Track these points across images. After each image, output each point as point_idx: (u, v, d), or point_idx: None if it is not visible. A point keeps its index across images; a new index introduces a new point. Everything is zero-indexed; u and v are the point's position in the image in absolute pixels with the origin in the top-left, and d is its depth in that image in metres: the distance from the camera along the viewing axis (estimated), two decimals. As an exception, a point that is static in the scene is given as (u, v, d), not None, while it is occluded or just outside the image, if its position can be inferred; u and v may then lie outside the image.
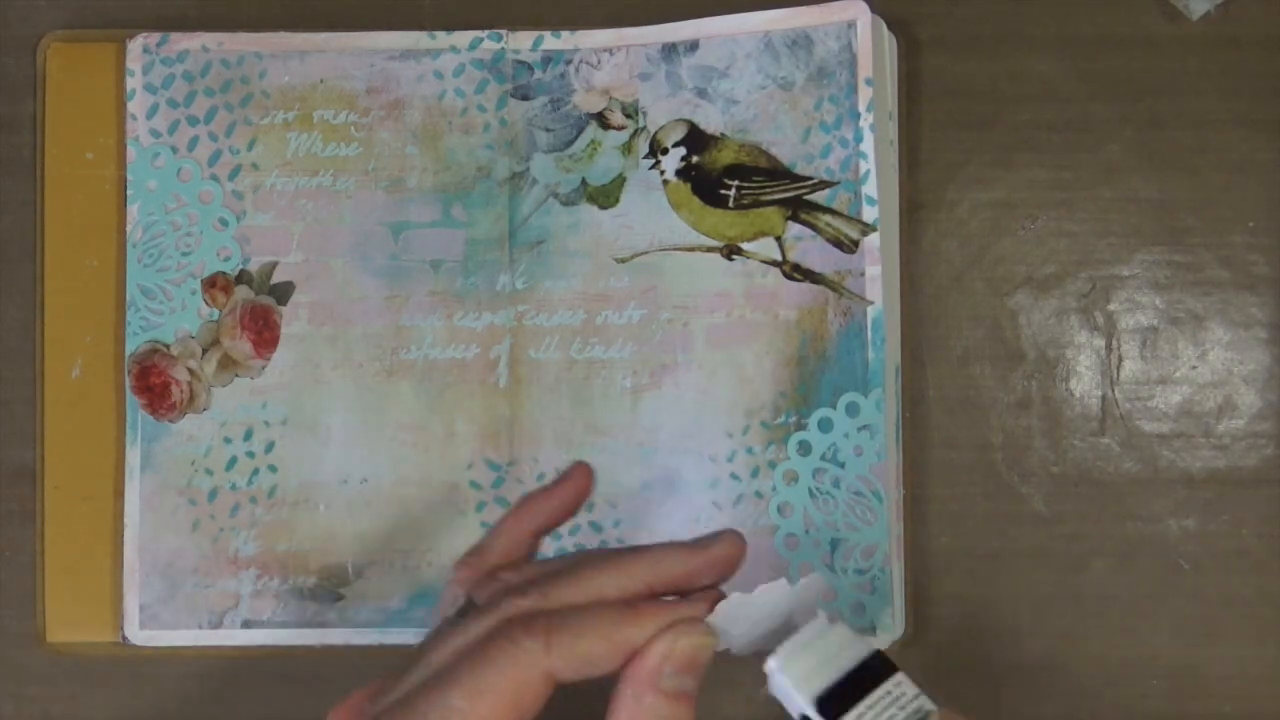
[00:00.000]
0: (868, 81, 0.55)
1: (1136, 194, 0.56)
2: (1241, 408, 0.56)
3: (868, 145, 0.55)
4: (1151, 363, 0.56)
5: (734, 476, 0.55)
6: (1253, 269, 0.56)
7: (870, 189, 0.55)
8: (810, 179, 0.56)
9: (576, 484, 0.47)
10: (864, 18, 0.55)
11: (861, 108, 0.55)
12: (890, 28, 0.56)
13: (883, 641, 0.55)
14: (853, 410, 0.55)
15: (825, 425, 0.55)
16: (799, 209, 0.56)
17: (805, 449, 0.55)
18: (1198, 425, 0.56)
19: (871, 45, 0.55)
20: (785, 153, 0.56)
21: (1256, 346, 0.56)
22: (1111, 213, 0.56)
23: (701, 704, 0.55)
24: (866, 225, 0.55)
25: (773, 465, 0.55)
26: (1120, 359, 0.56)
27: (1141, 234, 0.56)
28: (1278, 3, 0.56)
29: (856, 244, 0.55)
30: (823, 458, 0.55)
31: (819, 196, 0.56)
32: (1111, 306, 0.56)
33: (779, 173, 0.56)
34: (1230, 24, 0.56)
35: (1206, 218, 0.56)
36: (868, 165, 0.55)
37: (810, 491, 0.55)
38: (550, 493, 0.47)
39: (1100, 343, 0.56)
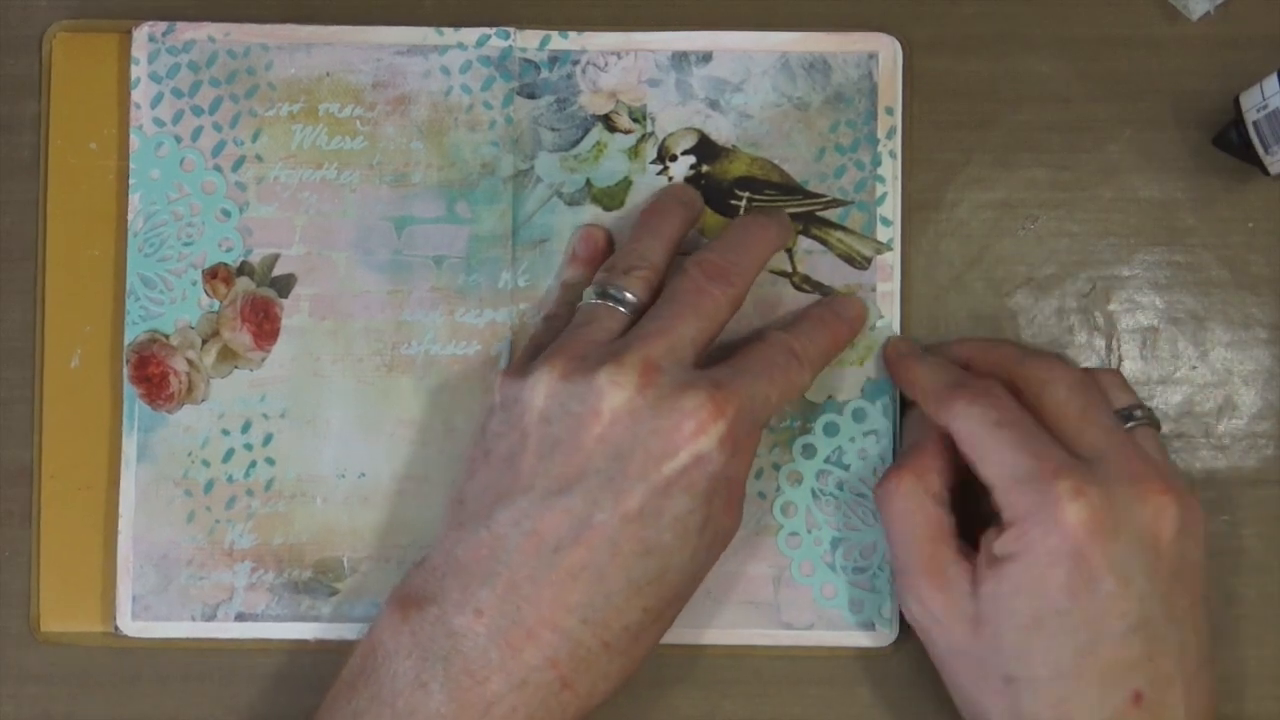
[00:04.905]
0: (888, 110, 0.56)
1: (1136, 194, 0.56)
2: (1241, 408, 0.56)
3: (886, 170, 0.56)
4: (1151, 363, 0.56)
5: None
6: (1253, 269, 0.56)
7: (887, 210, 0.56)
8: (823, 196, 0.56)
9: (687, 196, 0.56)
10: (886, 50, 0.56)
11: (881, 134, 0.56)
12: (889, 28, 0.56)
13: (879, 638, 0.55)
14: (859, 416, 0.55)
15: (830, 429, 0.55)
16: (810, 224, 0.56)
17: (810, 452, 0.55)
18: (1198, 425, 0.56)
19: (894, 75, 0.56)
20: (797, 169, 0.56)
21: (1256, 346, 0.56)
22: (1111, 213, 0.56)
23: (701, 703, 0.55)
24: (881, 244, 0.56)
25: (776, 467, 0.55)
26: (1120, 359, 0.56)
27: (1141, 234, 0.56)
28: (1278, 3, 0.56)
29: (869, 261, 0.56)
30: (827, 460, 0.55)
31: (831, 214, 0.56)
32: (1111, 306, 0.56)
33: (791, 188, 0.56)
34: (1230, 24, 0.56)
35: (1206, 218, 0.56)
36: (884, 188, 0.56)
37: (813, 492, 0.55)
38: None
39: (1100, 343, 0.56)
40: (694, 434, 0.47)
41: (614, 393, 0.48)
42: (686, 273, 0.51)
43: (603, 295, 0.51)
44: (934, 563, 0.50)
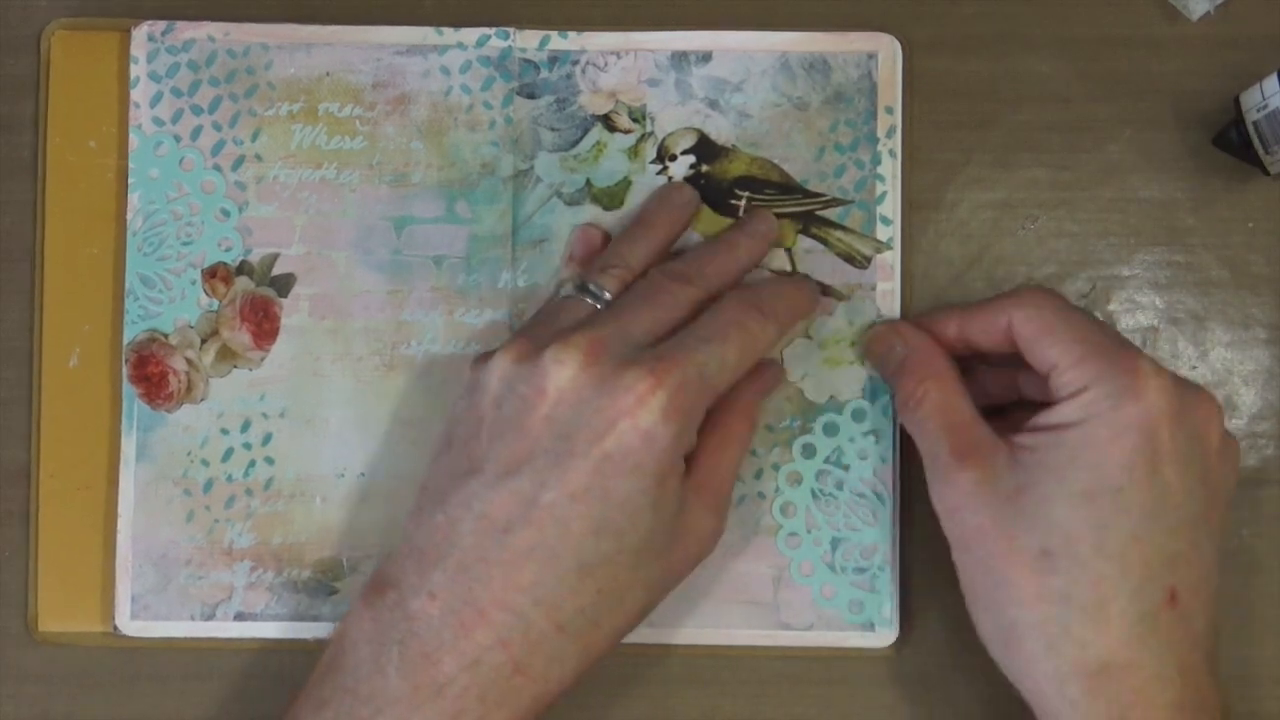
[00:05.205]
0: (888, 110, 0.56)
1: (1136, 194, 0.56)
2: (1241, 408, 0.56)
3: (886, 169, 0.56)
4: (1152, 363, 0.56)
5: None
6: (1253, 269, 0.56)
7: (886, 209, 0.56)
8: (823, 195, 0.56)
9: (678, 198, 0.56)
10: (886, 50, 0.56)
11: (881, 133, 0.56)
12: (889, 28, 0.56)
13: (879, 639, 0.55)
14: (859, 415, 0.55)
15: (830, 429, 0.55)
16: (810, 223, 0.56)
17: (809, 452, 0.55)
18: (1198, 425, 0.56)
19: (894, 75, 0.56)
20: (797, 169, 0.56)
21: (1256, 346, 0.56)
22: (1111, 213, 0.56)
23: (701, 704, 0.55)
24: (881, 243, 0.56)
25: (776, 467, 0.55)
26: (1120, 359, 0.56)
27: (1141, 234, 0.56)
28: (1278, 3, 0.56)
29: (869, 260, 0.56)
30: (827, 460, 0.55)
31: (830, 213, 0.56)
32: (1111, 306, 0.56)
33: (791, 188, 0.56)
34: (1230, 24, 0.56)
35: (1206, 218, 0.56)
36: (884, 187, 0.56)
37: (813, 493, 0.55)
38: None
39: (1100, 343, 0.56)
40: (633, 408, 0.47)
41: (558, 371, 0.48)
42: (648, 275, 0.52)
43: (580, 289, 0.52)
44: (967, 441, 0.50)
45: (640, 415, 0.47)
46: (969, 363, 0.54)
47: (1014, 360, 0.52)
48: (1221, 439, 0.49)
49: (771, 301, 0.52)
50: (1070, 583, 0.47)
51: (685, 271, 0.52)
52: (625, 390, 0.47)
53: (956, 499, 0.50)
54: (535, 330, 0.50)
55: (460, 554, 0.47)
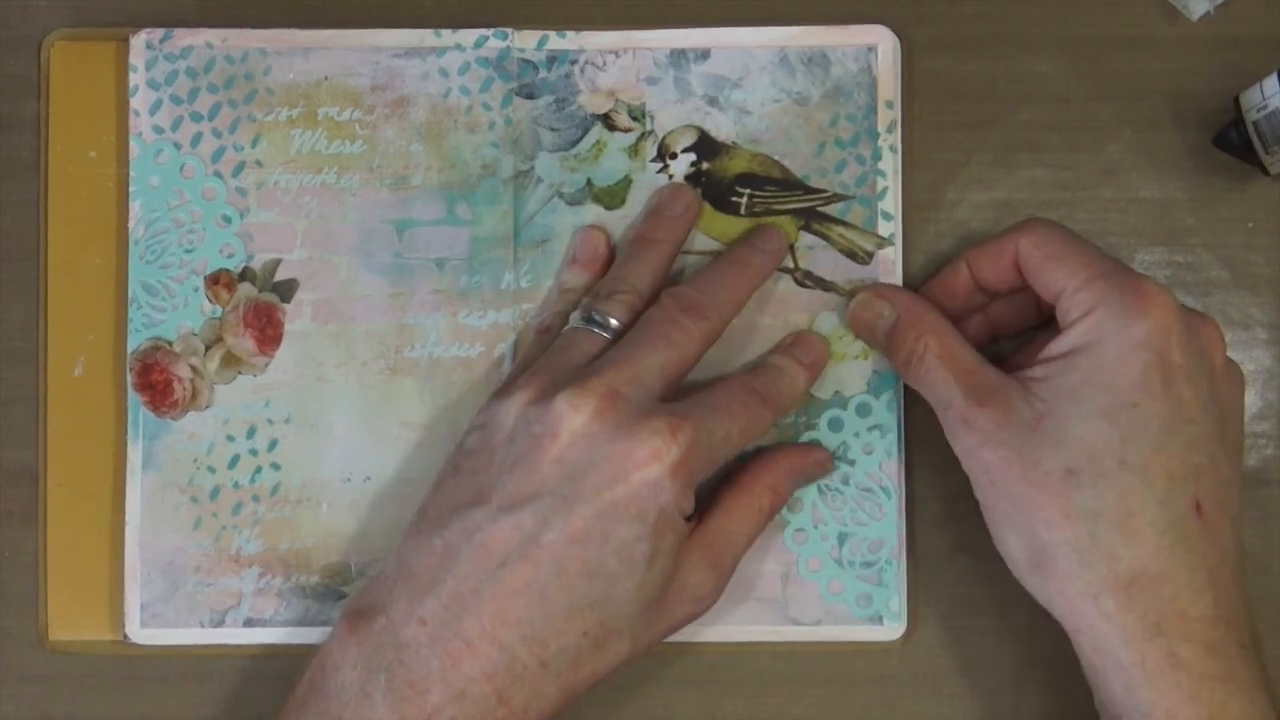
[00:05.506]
0: (888, 104, 0.56)
1: (1136, 194, 0.57)
2: (1241, 407, 0.56)
3: (887, 164, 0.56)
4: (1152, 361, 0.56)
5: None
6: (1253, 269, 0.57)
7: (888, 205, 0.56)
8: (824, 191, 0.56)
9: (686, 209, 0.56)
10: (885, 43, 0.56)
11: (881, 128, 0.56)
12: (889, 27, 0.56)
13: (887, 633, 0.55)
14: (863, 410, 0.56)
15: (835, 425, 0.56)
16: (811, 219, 0.56)
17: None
18: (1197, 423, 0.56)
19: (893, 68, 0.56)
20: (798, 165, 0.56)
21: (1256, 346, 0.57)
22: (1111, 213, 0.57)
23: (708, 700, 0.56)
24: (882, 239, 0.56)
25: (782, 464, 0.56)
26: (1121, 357, 0.56)
27: (1141, 234, 0.57)
28: (1278, 3, 0.56)
29: (871, 256, 0.56)
30: (832, 456, 0.56)
31: (832, 209, 0.56)
32: (1112, 305, 0.57)
33: (792, 184, 0.56)
34: (1230, 24, 0.56)
35: (1206, 218, 0.57)
36: (885, 183, 0.56)
37: (819, 488, 0.56)
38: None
39: (1101, 341, 0.56)
40: (646, 460, 0.48)
41: (572, 416, 0.48)
42: (661, 304, 0.52)
43: (587, 320, 0.52)
44: (980, 383, 0.51)
45: (652, 467, 0.48)
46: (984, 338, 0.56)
47: (1024, 313, 0.54)
48: (1225, 361, 0.51)
49: (767, 386, 0.53)
50: (1097, 497, 0.48)
51: (699, 302, 0.52)
52: (640, 442, 0.48)
53: (975, 438, 0.50)
54: (547, 369, 0.51)
55: (454, 582, 0.48)
